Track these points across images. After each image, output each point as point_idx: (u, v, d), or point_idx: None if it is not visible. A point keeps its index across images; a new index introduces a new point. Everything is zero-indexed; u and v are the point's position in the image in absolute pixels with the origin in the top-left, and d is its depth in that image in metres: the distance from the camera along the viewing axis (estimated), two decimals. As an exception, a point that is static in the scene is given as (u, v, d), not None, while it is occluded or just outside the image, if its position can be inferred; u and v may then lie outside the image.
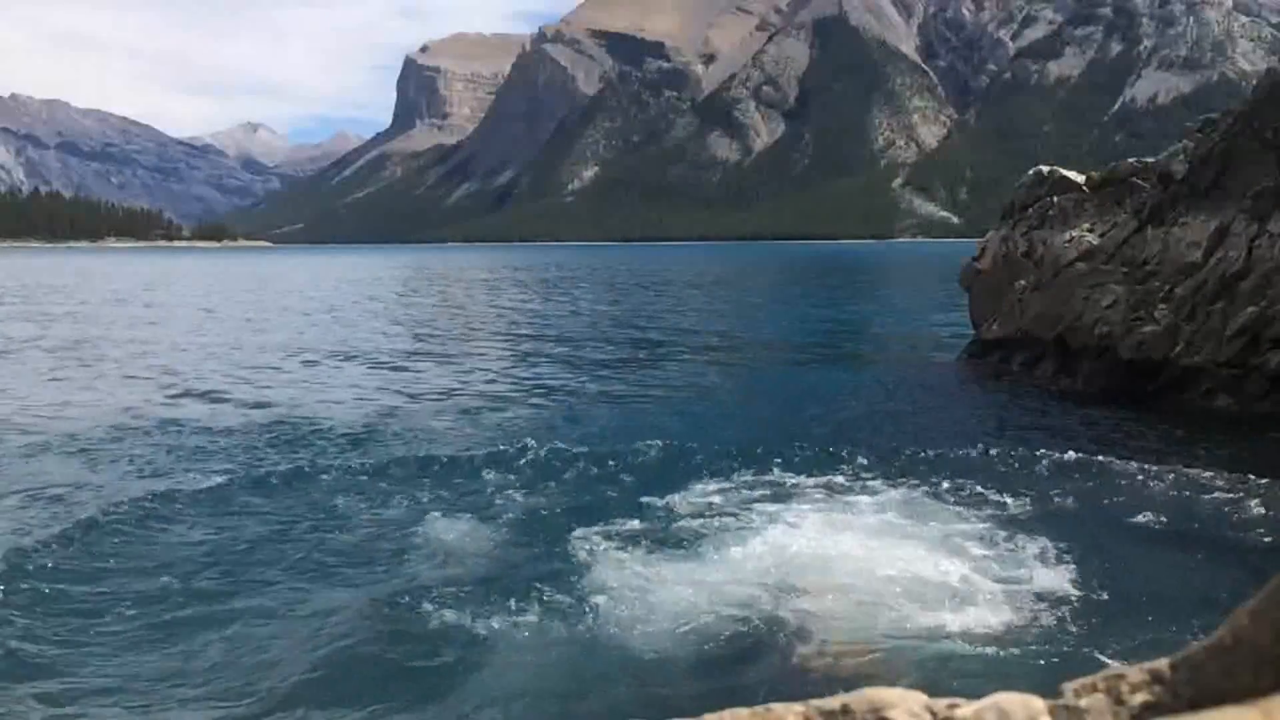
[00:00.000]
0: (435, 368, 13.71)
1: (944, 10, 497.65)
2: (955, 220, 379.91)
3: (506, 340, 18.47)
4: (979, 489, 5.96)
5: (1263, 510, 5.74)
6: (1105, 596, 4.05)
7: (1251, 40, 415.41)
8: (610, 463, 6.97)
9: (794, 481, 5.63)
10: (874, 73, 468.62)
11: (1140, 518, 5.56)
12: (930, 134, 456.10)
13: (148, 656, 3.85)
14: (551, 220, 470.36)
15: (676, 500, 5.82)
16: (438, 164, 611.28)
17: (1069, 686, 0.77)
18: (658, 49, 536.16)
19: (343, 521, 5.83)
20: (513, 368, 13.84)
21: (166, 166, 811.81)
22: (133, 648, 3.91)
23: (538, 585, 4.30)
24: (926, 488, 6.01)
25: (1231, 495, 6.12)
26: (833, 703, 0.80)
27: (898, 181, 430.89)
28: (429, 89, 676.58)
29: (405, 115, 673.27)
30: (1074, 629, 3.66)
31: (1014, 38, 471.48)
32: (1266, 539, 5.19)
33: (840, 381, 12.10)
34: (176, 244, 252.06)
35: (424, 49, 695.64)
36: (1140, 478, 6.64)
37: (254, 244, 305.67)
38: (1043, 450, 7.69)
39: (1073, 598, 3.99)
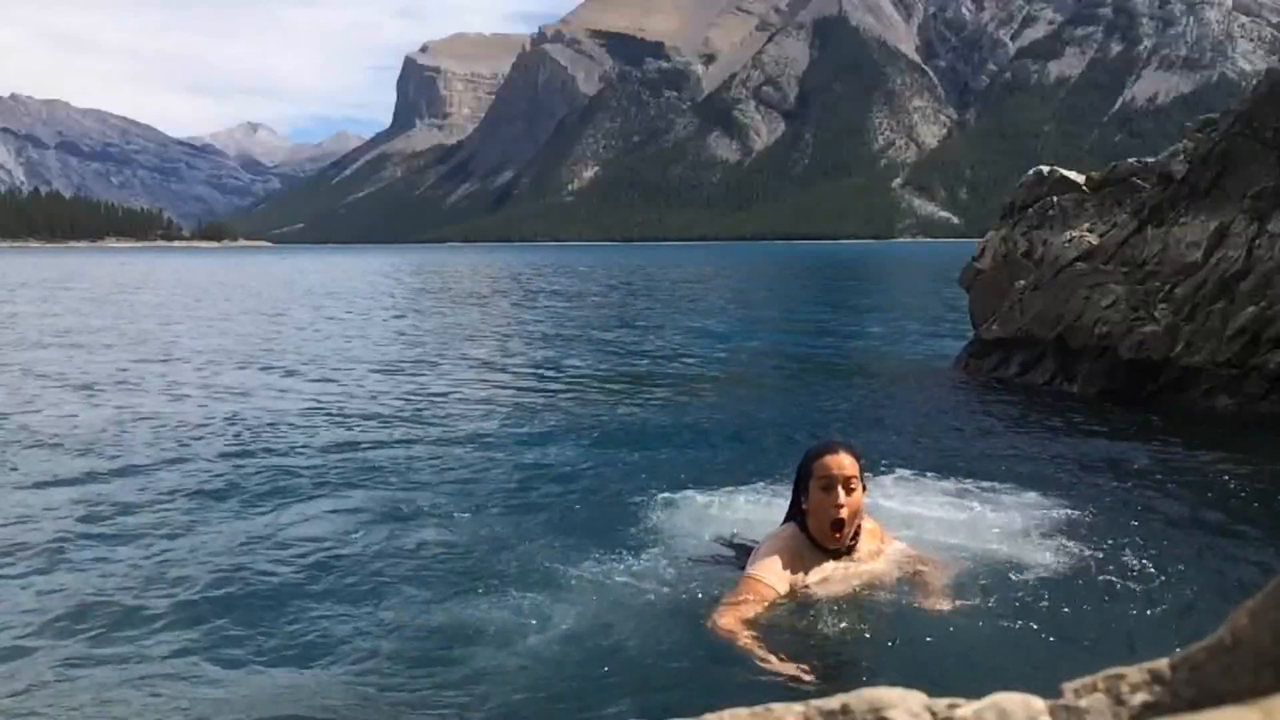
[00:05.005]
0: (437, 374, 13.66)
1: (944, 10, 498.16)
2: (955, 220, 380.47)
3: (504, 343, 18.47)
4: (976, 489, 5.90)
5: (1263, 510, 5.70)
6: (1105, 596, 4.00)
7: (1251, 40, 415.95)
8: (596, 471, 6.89)
9: (790, 486, 5.49)
10: (874, 73, 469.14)
11: (1139, 517, 5.47)
12: (930, 134, 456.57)
13: (118, 660, 3.76)
14: (551, 220, 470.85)
15: (669, 504, 5.70)
16: (438, 164, 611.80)
17: (1069, 686, 0.77)
18: (658, 49, 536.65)
19: (302, 527, 5.70)
20: (506, 370, 13.84)
21: (166, 166, 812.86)
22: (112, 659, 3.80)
23: (530, 586, 4.23)
24: (924, 488, 5.95)
25: (1231, 495, 6.08)
26: (832, 703, 0.80)
27: (898, 181, 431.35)
28: (429, 89, 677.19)
29: (405, 115, 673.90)
30: (1074, 629, 3.62)
31: (1014, 38, 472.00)
32: (1267, 539, 5.17)
33: (838, 381, 12.06)
34: (176, 244, 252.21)
35: (424, 49, 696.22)
36: (1139, 477, 6.58)
37: (254, 244, 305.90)
38: (1042, 450, 7.66)
39: (1072, 597, 3.93)
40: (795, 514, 4.11)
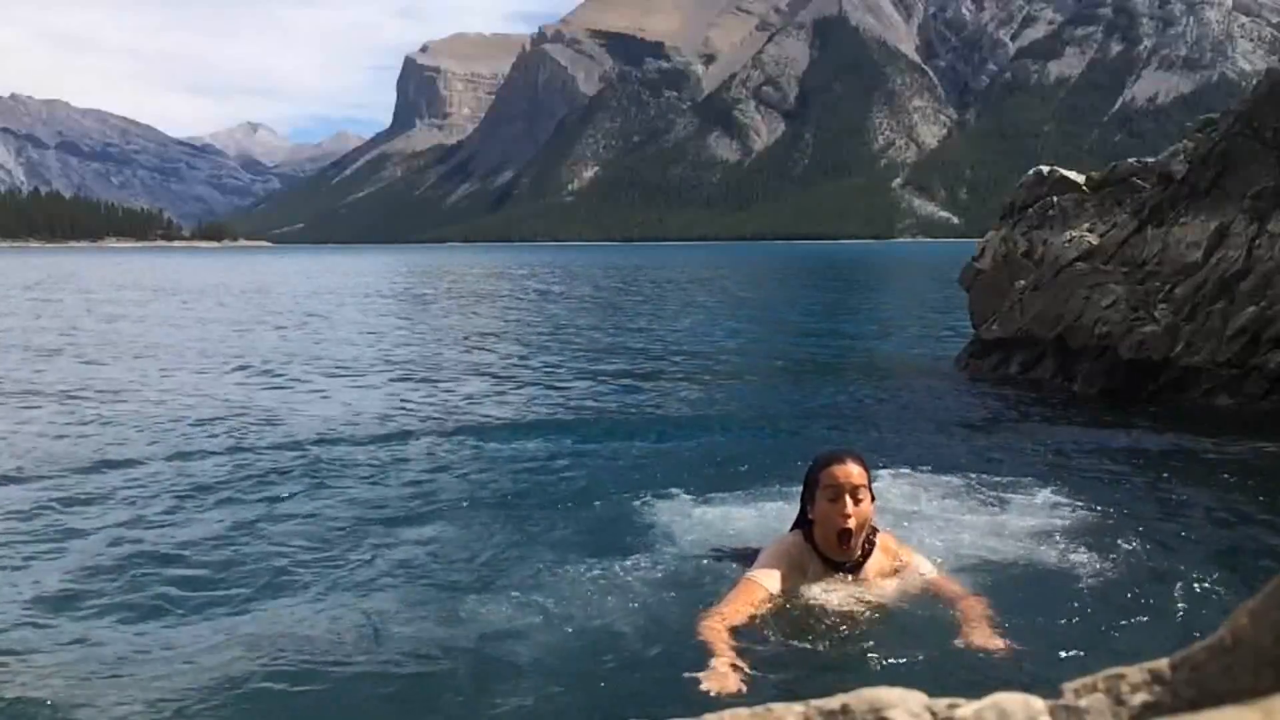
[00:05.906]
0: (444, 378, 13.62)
1: (944, 10, 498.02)
2: (955, 220, 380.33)
3: (499, 343, 18.45)
4: (975, 488, 5.88)
5: (1263, 510, 5.70)
6: (1105, 596, 3.98)
7: (1251, 40, 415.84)
8: (594, 472, 6.84)
9: (790, 489, 5.32)
10: (874, 73, 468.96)
11: (1140, 517, 5.46)
12: (930, 134, 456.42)
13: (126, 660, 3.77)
14: (551, 220, 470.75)
15: (667, 506, 5.66)
16: (438, 164, 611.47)
17: (1069, 686, 0.77)
18: (658, 49, 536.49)
19: (294, 528, 5.65)
20: (504, 374, 13.83)
21: (166, 166, 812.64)
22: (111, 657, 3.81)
23: (526, 587, 4.22)
24: (923, 487, 5.92)
25: (1232, 495, 6.08)
26: (833, 702, 0.80)
27: (898, 181, 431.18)
28: (429, 89, 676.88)
29: (405, 115, 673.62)
30: (1074, 629, 3.61)
31: (1014, 38, 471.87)
32: (1267, 539, 5.17)
33: (838, 380, 12.05)
34: (176, 244, 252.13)
35: (424, 49, 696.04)
36: (1139, 477, 6.60)
37: (254, 244, 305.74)
38: (1040, 450, 7.66)
39: (1072, 597, 3.92)
40: (802, 523, 4.05)
